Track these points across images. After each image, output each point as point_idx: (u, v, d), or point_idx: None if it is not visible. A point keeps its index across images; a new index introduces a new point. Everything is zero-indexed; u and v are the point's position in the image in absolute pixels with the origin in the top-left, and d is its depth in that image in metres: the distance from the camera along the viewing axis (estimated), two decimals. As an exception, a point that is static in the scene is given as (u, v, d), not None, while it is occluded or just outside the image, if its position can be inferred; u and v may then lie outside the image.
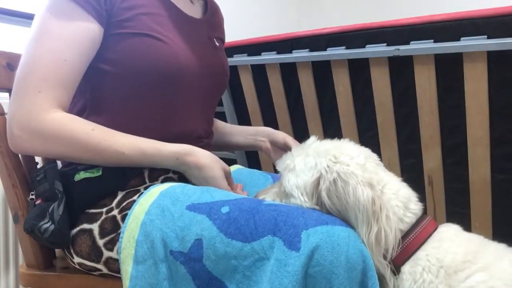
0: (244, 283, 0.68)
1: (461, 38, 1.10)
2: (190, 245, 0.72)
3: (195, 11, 1.01)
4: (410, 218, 0.75)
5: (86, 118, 0.86)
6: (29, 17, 1.49)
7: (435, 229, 0.76)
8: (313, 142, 0.86)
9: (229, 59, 1.51)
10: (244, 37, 1.53)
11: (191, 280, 0.71)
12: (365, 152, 0.82)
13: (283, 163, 0.85)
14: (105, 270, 0.83)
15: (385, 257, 0.71)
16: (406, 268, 0.72)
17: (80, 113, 0.88)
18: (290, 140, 1.09)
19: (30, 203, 0.89)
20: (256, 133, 1.15)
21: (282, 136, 1.11)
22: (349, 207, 0.72)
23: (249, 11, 2.43)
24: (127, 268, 0.76)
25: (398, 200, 0.75)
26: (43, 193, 0.85)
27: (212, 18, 1.06)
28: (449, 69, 1.15)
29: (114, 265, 0.81)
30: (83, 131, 0.80)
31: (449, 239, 0.75)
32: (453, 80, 1.15)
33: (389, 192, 0.76)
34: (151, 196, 0.80)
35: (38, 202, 0.86)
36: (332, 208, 0.74)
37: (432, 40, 1.14)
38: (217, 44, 1.04)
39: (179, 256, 0.72)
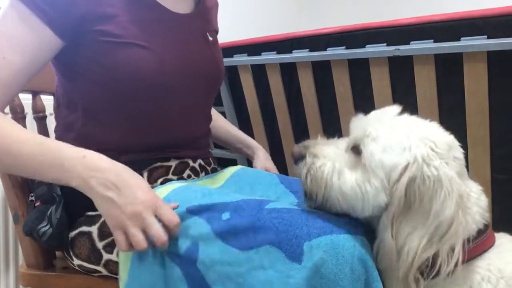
0: None
1: (461, 38, 1.10)
2: (186, 247, 0.71)
3: (183, 5, 0.96)
4: (481, 225, 0.69)
5: (82, 127, 0.86)
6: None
7: (495, 240, 0.71)
8: (394, 111, 0.72)
9: (229, 59, 1.51)
10: (244, 37, 1.53)
11: (185, 282, 0.71)
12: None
13: (359, 127, 0.71)
14: (105, 272, 0.83)
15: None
16: (460, 274, 0.65)
17: (75, 124, 0.88)
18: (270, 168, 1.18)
19: (30, 205, 0.89)
20: (247, 146, 1.24)
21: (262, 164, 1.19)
22: (424, 211, 0.62)
23: (249, 11, 2.43)
24: (124, 268, 0.76)
25: (479, 206, 0.69)
26: (42, 196, 0.85)
27: (204, 9, 1.01)
28: (449, 69, 1.15)
29: (114, 267, 0.81)
30: None
31: (509, 249, 0.70)
32: (453, 80, 1.15)
33: (474, 196, 0.69)
34: None
35: (37, 204, 0.86)
36: (395, 201, 0.64)
37: (432, 40, 1.14)
38: (211, 38, 1.00)
39: (175, 257, 0.72)
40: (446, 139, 0.68)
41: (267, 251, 0.66)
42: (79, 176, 0.70)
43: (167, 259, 0.73)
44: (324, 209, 0.71)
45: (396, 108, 0.72)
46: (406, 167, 0.64)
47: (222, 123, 1.26)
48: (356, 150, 0.69)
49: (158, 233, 0.69)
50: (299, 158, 0.72)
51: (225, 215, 0.72)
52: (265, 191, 0.94)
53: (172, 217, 0.70)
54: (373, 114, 0.73)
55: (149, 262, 0.74)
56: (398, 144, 0.65)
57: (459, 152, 0.68)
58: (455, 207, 0.62)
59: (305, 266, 0.63)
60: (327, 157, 0.70)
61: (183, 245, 0.72)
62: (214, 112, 1.21)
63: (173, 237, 0.71)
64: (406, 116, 0.71)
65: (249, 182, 0.98)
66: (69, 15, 0.79)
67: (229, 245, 0.69)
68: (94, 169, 0.71)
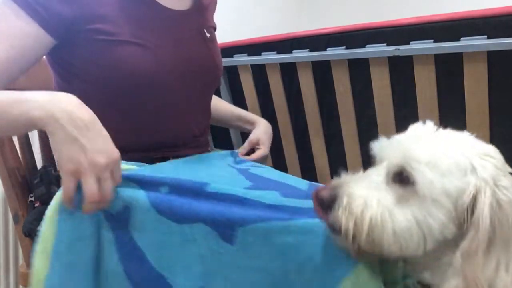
0: (166, 259, 0.68)
1: (461, 38, 1.10)
2: (117, 209, 0.70)
3: (180, 2, 0.95)
4: None
5: None
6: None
7: None
8: (431, 128, 0.64)
9: (229, 59, 1.51)
10: (244, 37, 1.53)
11: (114, 243, 0.70)
12: None
13: (397, 150, 0.60)
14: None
15: None
16: None
17: None
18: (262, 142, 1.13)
19: (29, 205, 0.89)
20: (248, 122, 1.21)
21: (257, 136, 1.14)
22: (505, 239, 0.55)
23: (249, 11, 2.43)
24: (50, 223, 0.72)
25: None
26: (41, 197, 0.85)
27: (201, 5, 1.00)
28: (449, 69, 1.15)
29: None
30: None
31: None
32: (453, 80, 1.15)
33: None
34: None
35: (37, 204, 0.86)
36: (480, 235, 0.55)
37: (432, 40, 1.14)
38: (208, 35, 0.99)
39: (108, 216, 0.71)
40: (497, 151, 0.62)
41: (201, 228, 0.67)
42: (43, 107, 0.64)
43: (102, 218, 0.71)
44: (364, 250, 0.60)
45: (431, 124, 0.64)
46: (476, 193, 0.56)
47: (220, 103, 1.25)
48: (399, 179, 0.59)
49: (110, 189, 0.66)
50: (331, 202, 0.60)
51: (164, 189, 0.71)
52: (219, 173, 0.91)
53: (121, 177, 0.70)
54: (407, 134, 0.64)
55: (80, 218, 0.70)
56: (458, 166, 0.57)
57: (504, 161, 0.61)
58: None
59: (237, 247, 0.65)
60: (369, 196, 0.59)
61: (115, 206, 0.70)
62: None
63: None
64: (443, 131, 0.63)
65: (207, 163, 0.95)
66: (62, 15, 0.79)
67: (162, 216, 0.68)
68: (66, 103, 0.65)
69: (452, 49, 1.10)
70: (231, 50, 1.51)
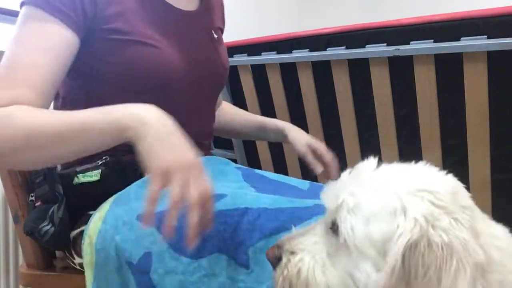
0: None
1: (461, 38, 1.10)
2: (139, 257, 0.71)
3: (188, 3, 0.95)
4: None
5: None
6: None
7: None
8: (371, 165, 0.55)
9: (229, 59, 1.51)
10: (244, 37, 1.53)
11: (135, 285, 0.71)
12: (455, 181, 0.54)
13: (332, 197, 0.54)
14: (105, 270, 0.83)
15: None
16: None
17: None
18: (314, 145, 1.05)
19: (30, 205, 0.89)
20: (274, 131, 1.14)
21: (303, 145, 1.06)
22: (427, 286, 0.46)
23: (249, 11, 2.43)
24: (89, 273, 0.77)
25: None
26: (43, 195, 0.85)
27: (208, 6, 1.00)
28: (449, 69, 1.15)
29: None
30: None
31: None
32: (453, 80, 1.16)
33: (496, 256, 0.51)
34: (108, 201, 0.80)
35: (37, 204, 0.86)
36: (386, 273, 0.47)
37: (432, 40, 1.14)
38: (215, 36, 0.99)
39: (131, 266, 0.72)
40: (446, 184, 0.51)
41: (217, 259, 0.67)
42: (131, 115, 0.65)
43: (125, 269, 0.73)
44: None
45: (373, 161, 0.55)
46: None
47: (236, 112, 1.22)
48: (334, 229, 0.53)
49: (195, 194, 0.60)
50: (276, 261, 0.57)
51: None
52: (225, 181, 0.89)
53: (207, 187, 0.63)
54: (344, 175, 0.57)
55: (107, 271, 0.74)
56: (386, 207, 0.49)
57: (465, 196, 0.53)
58: (470, 284, 0.46)
59: (253, 270, 0.64)
60: (305, 250, 0.55)
61: (136, 255, 0.71)
62: (226, 105, 1.21)
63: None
64: (387, 166, 0.55)
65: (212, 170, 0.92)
66: (86, 15, 0.79)
67: (180, 254, 0.68)
68: (153, 110, 0.67)
69: (452, 49, 1.11)
70: (231, 50, 1.51)
